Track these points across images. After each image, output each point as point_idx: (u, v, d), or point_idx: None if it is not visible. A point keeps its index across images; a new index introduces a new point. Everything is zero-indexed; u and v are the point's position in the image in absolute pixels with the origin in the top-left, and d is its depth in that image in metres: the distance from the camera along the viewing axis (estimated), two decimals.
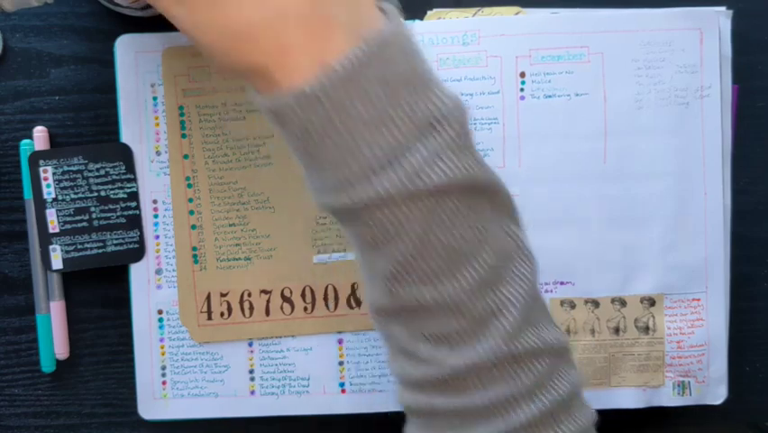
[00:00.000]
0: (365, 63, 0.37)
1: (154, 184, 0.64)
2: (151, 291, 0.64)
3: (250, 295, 0.64)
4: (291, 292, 0.64)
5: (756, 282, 0.66)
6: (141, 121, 0.63)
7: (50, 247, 0.63)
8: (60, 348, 0.64)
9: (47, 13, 0.64)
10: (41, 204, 0.63)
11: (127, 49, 0.63)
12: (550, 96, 0.63)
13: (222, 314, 0.64)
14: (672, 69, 0.62)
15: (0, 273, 0.65)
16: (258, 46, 0.37)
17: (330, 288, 0.64)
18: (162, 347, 0.64)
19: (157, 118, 0.63)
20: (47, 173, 0.63)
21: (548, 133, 0.63)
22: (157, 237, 0.64)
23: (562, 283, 0.63)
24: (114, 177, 0.63)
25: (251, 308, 0.64)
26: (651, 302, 0.63)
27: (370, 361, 0.64)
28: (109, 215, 0.63)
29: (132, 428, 0.66)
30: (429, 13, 0.64)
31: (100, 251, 0.63)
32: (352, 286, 0.64)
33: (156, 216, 0.64)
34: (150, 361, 0.64)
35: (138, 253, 0.64)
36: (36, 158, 0.63)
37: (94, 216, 0.63)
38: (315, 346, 0.64)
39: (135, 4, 0.60)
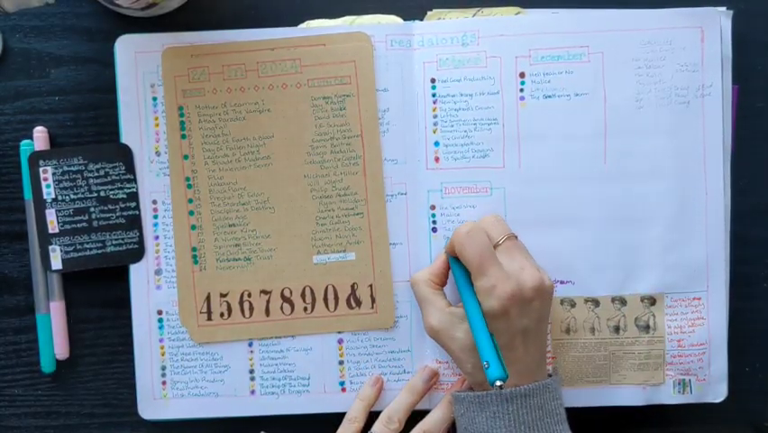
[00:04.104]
0: (533, 392, 0.56)
1: (154, 184, 0.64)
2: (151, 292, 0.64)
3: (250, 295, 0.64)
4: (291, 292, 0.64)
5: (756, 282, 0.66)
6: (141, 121, 0.63)
7: (50, 247, 0.63)
8: (60, 348, 0.64)
9: (47, 13, 0.64)
10: (40, 204, 0.63)
11: (127, 49, 0.63)
12: (549, 97, 0.63)
13: (222, 314, 0.64)
14: (672, 68, 0.62)
15: (0, 273, 0.65)
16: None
17: (330, 288, 0.64)
18: (162, 347, 0.64)
19: (157, 118, 0.63)
20: (47, 173, 0.63)
21: (548, 133, 0.63)
22: (156, 238, 0.64)
23: (562, 282, 0.63)
24: (114, 177, 0.63)
25: (251, 308, 0.64)
26: (651, 301, 0.63)
27: (370, 360, 0.64)
28: (109, 215, 0.63)
29: (132, 428, 0.66)
30: (429, 13, 0.64)
31: (100, 251, 0.63)
32: (352, 286, 0.64)
33: (156, 217, 0.64)
34: (149, 361, 0.64)
35: (138, 253, 0.64)
36: (36, 158, 0.63)
37: (93, 216, 0.63)
38: (315, 346, 0.64)
39: (135, 4, 0.60)
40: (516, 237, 0.59)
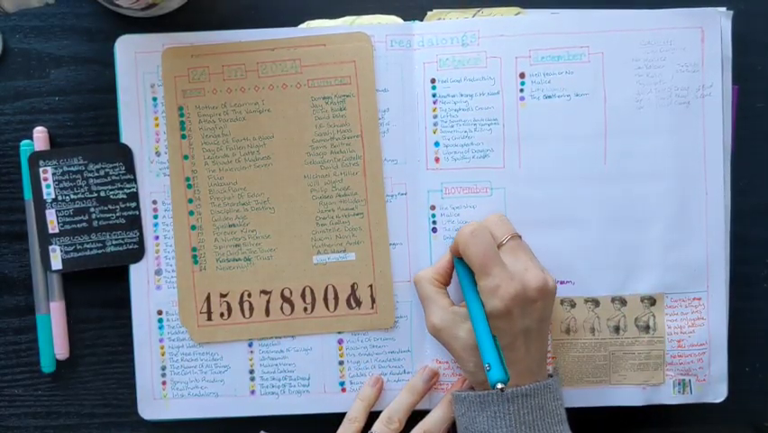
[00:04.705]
0: (533, 392, 0.56)
1: (154, 184, 0.64)
2: (151, 292, 0.64)
3: (250, 295, 0.64)
4: (291, 292, 0.64)
5: (756, 282, 0.66)
6: (141, 121, 0.63)
7: (50, 247, 0.63)
8: (60, 348, 0.64)
9: (47, 14, 0.64)
10: (40, 204, 0.63)
11: (127, 49, 0.63)
12: (550, 97, 0.63)
13: (222, 314, 0.64)
14: (672, 69, 0.62)
15: (0, 273, 0.65)
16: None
17: (330, 288, 0.64)
18: (162, 348, 0.64)
19: (157, 119, 0.63)
20: (47, 173, 0.63)
21: (548, 133, 0.63)
22: (157, 238, 0.64)
23: (562, 282, 0.63)
24: (114, 177, 0.63)
25: (251, 308, 0.64)
26: (651, 301, 0.63)
27: (370, 360, 0.64)
28: (109, 215, 0.63)
29: (132, 428, 0.66)
30: (429, 13, 0.64)
31: (100, 251, 0.63)
32: (352, 286, 0.64)
33: (156, 217, 0.64)
34: (149, 361, 0.64)
35: (138, 253, 0.64)
36: (36, 158, 0.63)
37: (93, 216, 0.63)
38: (315, 346, 0.64)
39: (135, 4, 0.60)
40: (520, 237, 0.59)
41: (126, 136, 0.63)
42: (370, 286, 0.64)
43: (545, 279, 0.57)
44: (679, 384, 0.64)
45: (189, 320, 0.64)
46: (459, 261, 0.60)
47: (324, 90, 0.63)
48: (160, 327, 0.64)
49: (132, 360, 0.64)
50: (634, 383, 0.64)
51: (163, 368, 0.64)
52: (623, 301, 0.63)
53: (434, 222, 0.63)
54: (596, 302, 0.63)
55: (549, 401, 0.57)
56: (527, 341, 0.57)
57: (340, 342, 0.64)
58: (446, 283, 0.62)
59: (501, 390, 0.54)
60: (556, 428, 0.57)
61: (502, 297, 0.55)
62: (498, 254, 0.57)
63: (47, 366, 0.65)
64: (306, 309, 0.64)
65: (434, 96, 0.63)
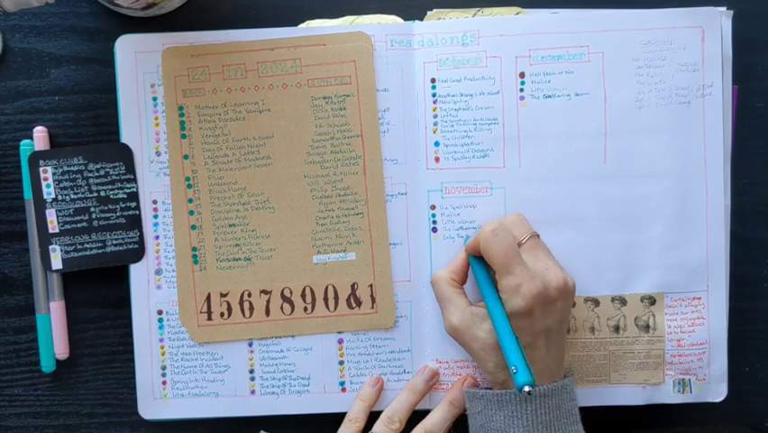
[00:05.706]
0: (552, 392, 0.57)
1: (154, 184, 0.64)
2: (151, 292, 0.64)
3: (250, 295, 0.64)
4: (291, 292, 0.64)
5: (756, 282, 0.66)
6: (141, 121, 0.63)
7: (50, 247, 0.63)
8: (60, 348, 0.64)
9: (47, 13, 0.64)
10: (40, 204, 0.63)
11: (127, 49, 0.63)
12: (550, 97, 0.63)
13: (222, 314, 0.64)
14: (672, 68, 0.62)
15: (0, 273, 0.65)
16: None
17: (330, 288, 0.64)
18: (162, 347, 0.64)
19: (157, 118, 0.63)
20: (47, 173, 0.63)
21: (548, 133, 0.63)
22: (157, 237, 0.64)
23: None
24: (114, 177, 0.63)
25: (251, 308, 0.64)
26: (651, 301, 0.63)
27: (370, 360, 0.64)
28: (109, 215, 0.63)
29: (132, 428, 0.66)
30: (429, 13, 0.64)
31: (100, 251, 0.63)
32: (352, 286, 0.64)
33: (156, 217, 0.64)
34: (150, 361, 0.64)
35: (138, 253, 0.64)
36: (36, 158, 0.63)
37: (94, 216, 0.63)
38: (315, 346, 0.64)
39: (135, 4, 0.60)
40: (539, 236, 0.59)
41: (126, 136, 0.63)
42: (371, 286, 0.64)
43: (565, 278, 0.57)
44: (679, 384, 0.64)
45: (189, 320, 0.64)
46: (475, 260, 0.60)
47: (325, 90, 0.63)
48: (160, 327, 0.64)
49: (132, 360, 0.64)
50: (634, 383, 0.64)
51: (163, 368, 0.64)
52: (623, 301, 0.63)
53: (434, 222, 0.63)
54: (596, 302, 0.63)
55: (565, 402, 0.57)
56: (548, 341, 0.57)
57: (340, 342, 0.64)
58: (462, 282, 0.62)
59: (528, 393, 0.54)
60: (571, 428, 0.57)
61: (524, 296, 0.55)
62: (520, 254, 0.57)
63: (47, 366, 0.65)
64: (306, 309, 0.64)
65: (434, 95, 0.63)
